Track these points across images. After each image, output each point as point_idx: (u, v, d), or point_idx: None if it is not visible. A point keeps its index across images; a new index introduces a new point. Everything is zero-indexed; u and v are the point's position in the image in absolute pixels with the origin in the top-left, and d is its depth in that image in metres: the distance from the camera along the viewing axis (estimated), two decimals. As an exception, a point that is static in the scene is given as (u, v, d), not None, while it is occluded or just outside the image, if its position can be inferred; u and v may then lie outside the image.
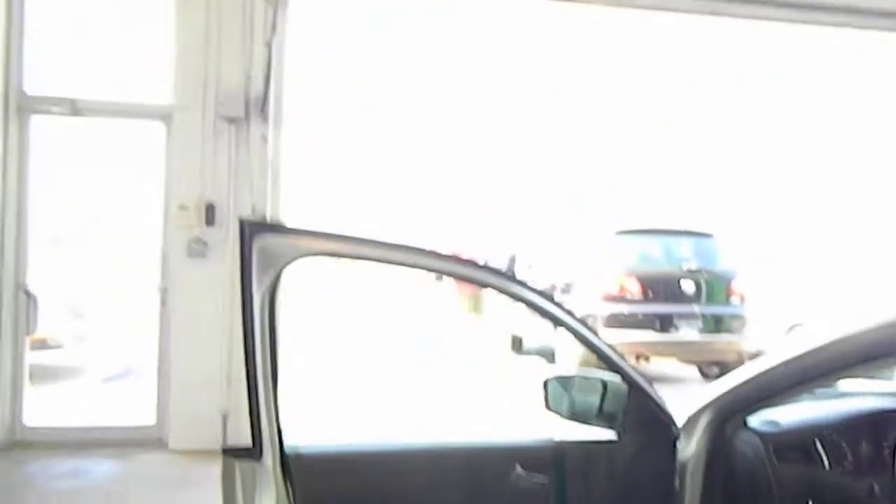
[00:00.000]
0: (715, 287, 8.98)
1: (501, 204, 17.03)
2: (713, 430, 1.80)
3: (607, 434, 2.01)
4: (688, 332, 8.69)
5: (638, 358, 8.82)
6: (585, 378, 2.04)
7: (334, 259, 1.96)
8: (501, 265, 10.37)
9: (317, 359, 9.06)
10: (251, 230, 1.61)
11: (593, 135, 19.84)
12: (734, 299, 9.06)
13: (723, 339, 8.85)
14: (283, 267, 1.64)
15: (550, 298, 2.00)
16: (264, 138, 5.18)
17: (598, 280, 8.95)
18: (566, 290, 9.36)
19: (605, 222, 9.86)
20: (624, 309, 8.72)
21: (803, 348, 1.73)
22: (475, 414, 6.46)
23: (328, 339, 10.95)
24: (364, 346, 10.50)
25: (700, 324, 8.76)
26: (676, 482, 1.81)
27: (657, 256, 9.46)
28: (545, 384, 2.06)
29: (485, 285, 1.91)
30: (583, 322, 1.98)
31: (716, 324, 8.81)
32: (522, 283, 1.94)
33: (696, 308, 8.81)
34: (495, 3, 5.66)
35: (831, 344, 1.68)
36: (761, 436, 1.83)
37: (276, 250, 1.63)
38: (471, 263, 1.88)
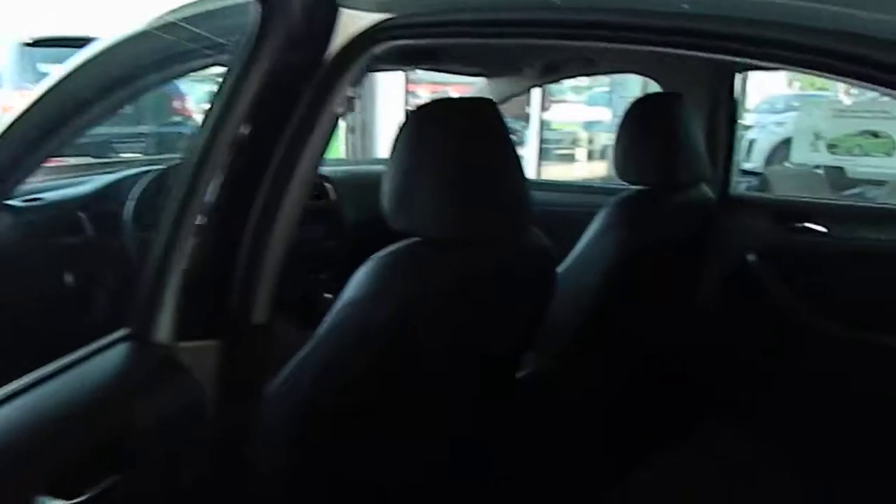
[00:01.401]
0: (154, 104, 8.59)
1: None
2: None
3: None
4: (128, 154, 8.22)
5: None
6: None
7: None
8: None
9: None
10: None
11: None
12: (177, 117, 8.79)
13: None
14: None
15: None
16: None
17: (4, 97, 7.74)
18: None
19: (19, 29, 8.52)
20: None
21: None
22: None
23: None
24: None
25: (144, 144, 8.24)
26: None
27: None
28: None
29: None
30: None
31: (159, 143, 8.47)
32: None
33: (139, 128, 8.32)
34: None
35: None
36: (20, 212, 1.81)
37: None
38: None
